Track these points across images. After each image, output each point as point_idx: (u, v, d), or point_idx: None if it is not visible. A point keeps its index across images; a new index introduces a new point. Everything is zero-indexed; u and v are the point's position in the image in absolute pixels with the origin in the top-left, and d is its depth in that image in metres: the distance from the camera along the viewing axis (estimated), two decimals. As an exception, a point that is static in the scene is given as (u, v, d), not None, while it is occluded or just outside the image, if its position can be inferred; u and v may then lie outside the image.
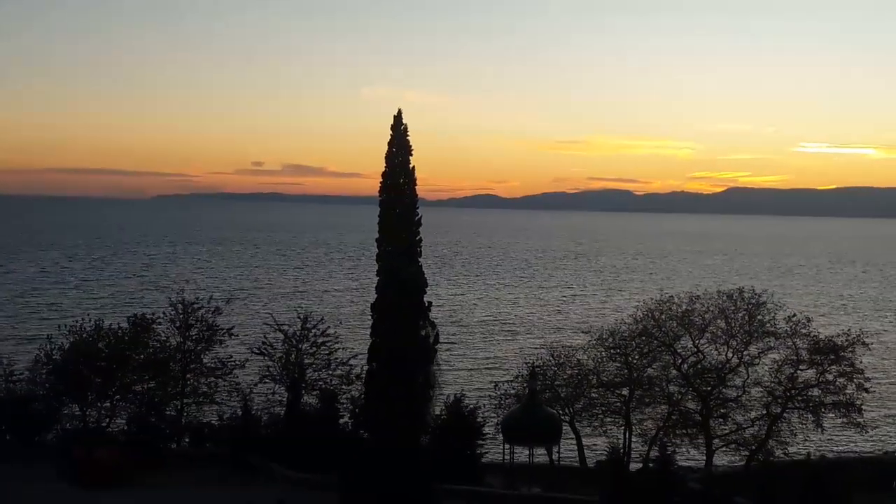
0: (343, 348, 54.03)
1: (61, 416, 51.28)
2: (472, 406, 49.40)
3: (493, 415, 51.53)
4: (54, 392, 51.09)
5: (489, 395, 55.58)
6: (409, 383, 39.17)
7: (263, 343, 52.93)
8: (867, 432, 53.98)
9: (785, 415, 49.61)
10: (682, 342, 51.52)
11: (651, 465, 47.05)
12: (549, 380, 51.37)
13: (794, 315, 51.56)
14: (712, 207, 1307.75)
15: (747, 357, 50.43)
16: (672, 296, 53.97)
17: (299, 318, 53.63)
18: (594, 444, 55.66)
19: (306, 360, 51.93)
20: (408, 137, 40.39)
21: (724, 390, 50.75)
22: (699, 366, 51.01)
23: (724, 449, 50.58)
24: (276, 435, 48.93)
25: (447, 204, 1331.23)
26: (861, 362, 50.29)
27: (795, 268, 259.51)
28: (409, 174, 40.25)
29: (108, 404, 51.84)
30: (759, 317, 50.54)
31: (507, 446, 46.88)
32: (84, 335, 52.39)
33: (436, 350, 40.82)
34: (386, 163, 40.28)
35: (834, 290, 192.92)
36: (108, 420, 51.78)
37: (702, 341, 51.18)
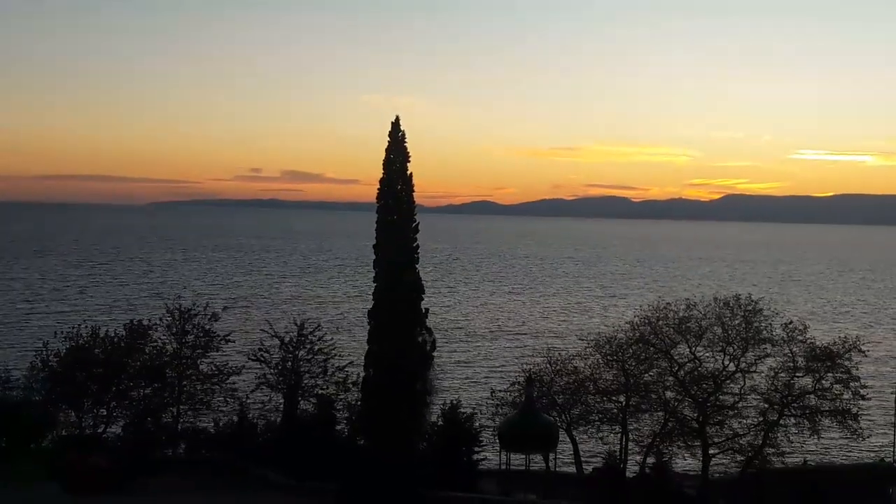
0: (340, 355, 53.95)
1: (57, 423, 51.20)
2: (468, 413, 49.41)
3: (489, 422, 51.49)
4: (50, 398, 51.04)
5: (486, 402, 55.55)
6: (405, 390, 39.20)
7: (260, 349, 52.87)
8: (863, 439, 53.96)
9: (781, 422, 49.62)
10: (678, 349, 51.48)
11: (647, 471, 47.07)
12: (545, 387, 51.35)
13: (791, 322, 51.62)
14: (710, 214, 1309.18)
15: (744, 364, 50.42)
16: (669, 302, 53.93)
17: (296, 324, 53.60)
18: (591, 451, 55.59)
19: (303, 367, 51.90)
20: (405, 144, 40.50)
21: (720, 397, 50.68)
22: (696, 373, 50.98)
23: (720, 456, 50.56)
24: (273, 442, 48.90)
25: (445, 210, 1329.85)
26: (857, 369, 50.30)
27: (793, 275, 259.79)
28: (407, 180, 40.36)
29: (104, 411, 51.81)
30: (756, 324, 50.52)
31: (503, 453, 46.88)
32: (80, 341, 52.37)
33: (433, 357, 40.86)
34: (384, 169, 40.37)
35: (831, 296, 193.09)
36: (103, 426, 51.72)
37: (699, 348, 51.15)
